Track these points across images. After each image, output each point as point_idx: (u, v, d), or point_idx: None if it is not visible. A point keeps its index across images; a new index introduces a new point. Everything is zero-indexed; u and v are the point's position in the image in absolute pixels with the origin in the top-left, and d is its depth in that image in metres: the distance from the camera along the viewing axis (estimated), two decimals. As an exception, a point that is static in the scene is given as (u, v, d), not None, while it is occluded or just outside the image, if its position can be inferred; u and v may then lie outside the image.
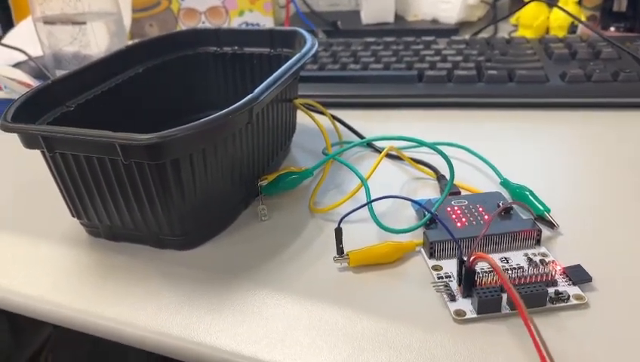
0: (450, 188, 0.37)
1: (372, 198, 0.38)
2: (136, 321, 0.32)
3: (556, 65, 0.60)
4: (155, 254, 0.38)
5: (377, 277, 0.34)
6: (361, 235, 0.37)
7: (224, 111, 0.33)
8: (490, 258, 0.29)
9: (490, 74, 0.57)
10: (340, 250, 0.35)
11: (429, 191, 0.43)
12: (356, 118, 0.53)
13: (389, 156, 0.48)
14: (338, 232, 0.35)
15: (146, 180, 0.34)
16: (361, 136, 0.50)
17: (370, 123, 0.54)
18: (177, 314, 0.32)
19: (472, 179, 0.43)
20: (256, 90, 0.36)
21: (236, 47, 0.52)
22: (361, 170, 0.41)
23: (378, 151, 0.48)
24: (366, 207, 0.37)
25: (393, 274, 0.34)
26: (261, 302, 0.33)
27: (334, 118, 0.51)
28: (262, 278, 0.35)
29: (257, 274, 0.35)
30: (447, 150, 0.47)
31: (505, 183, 0.41)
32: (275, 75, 0.39)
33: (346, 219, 0.35)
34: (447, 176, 0.42)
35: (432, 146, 0.37)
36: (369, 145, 0.49)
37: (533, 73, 0.57)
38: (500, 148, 0.48)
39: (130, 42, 0.78)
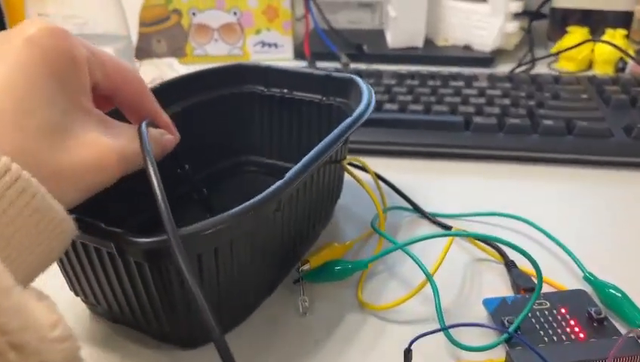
0: (536, 299, 0.31)
1: (440, 299, 0.32)
2: None
3: (615, 115, 0.54)
4: (156, 350, 0.32)
5: (454, 411, 0.28)
6: (422, 347, 0.30)
7: (243, 206, 0.27)
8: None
9: (546, 125, 0.51)
10: (409, 376, 0.29)
11: (497, 282, 0.36)
12: (395, 170, 0.47)
13: (444, 227, 0.41)
14: (407, 355, 0.28)
15: (146, 280, 0.28)
16: (412, 204, 0.44)
17: (412, 177, 0.48)
18: None
19: (545, 266, 0.37)
20: (288, 175, 0.30)
21: (285, 90, 0.45)
22: (412, 246, 0.35)
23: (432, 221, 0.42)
24: (433, 310, 0.31)
25: (472, 406, 0.28)
26: None
27: (378, 176, 0.44)
28: None
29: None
30: (510, 223, 0.41)
31: (590, 280, 0.35)
32: (315, 150, 0.32)
33: (400, 317, 0.29)
34: (516, 260, 0.36)
35: (517, 248, 0.31)
36: (420, 211, 0.43)
37: (594, 126, 0.51)
38: (569, 221, 0.42)
39: (140, 63, 0.71)
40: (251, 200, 0.27)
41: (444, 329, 0.30)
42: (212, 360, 0.31)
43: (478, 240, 0.39)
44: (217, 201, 0.44)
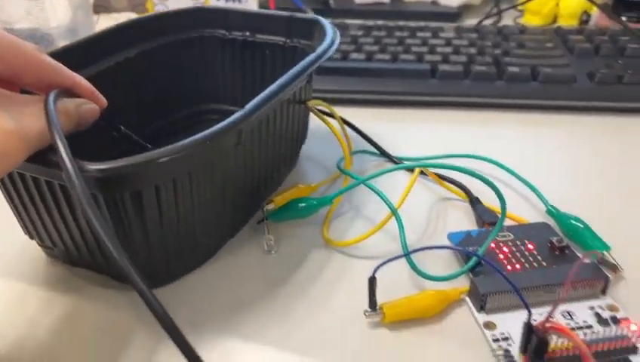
0: (500, 228, 0.31)
1: (404, 233, 0.32)
2: None
3: (580, 62, 0.54)
4: (115, 289, 0.31)
5: (417, 337, 0.28)
6: (387, 276, 0.30)
7: (200, 135, 0.26)
8: (575, 336, 0.24)
9: (511, 71, 0.51)
10: (373, 304, 0.28)
11: (462, 218, 0.37)
12: (362, 118, 0.46)
13: (411, 170, 0.41)
14: (372, 283, 0.28)
15: (101, 212, 0.26)
16: (378, 147, 0.43)
17: (379, 124, 0.47)
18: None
19: (511, 203, 0.37)
20: (248, 106, 0.29)
21: (247, 33, 0.44)
22: (379, 186, 0.34)
23: (395, 162, 0.42)
24: (398, 244, 0.31)
25: (436, 332, 0.28)
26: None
27: (344, 121, 0.44)
28: (253, 329, 0.28)
29: (247, 322, 0.29)
30: (477, 164, 0.41)
31: (553, 213, 0.35)
32: (277, 82, 0.31)
33: (365, 253, 0.28)
34: (481, 197, 0.37)
35: (481, 177, 0.31)
36: (386, 155, 0.43)
37: (559, 72, 0.51)
38: (535, 161, 0.42)
39: (97, 17, 0.68)
40: (209, 130, 0.26)
41: (407, 254, 0.30)
42: (173, 298, 0.30)
43: (442, 177, 0.39)
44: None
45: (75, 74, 0.28)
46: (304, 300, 0.30)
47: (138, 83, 0.41)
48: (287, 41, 0.43)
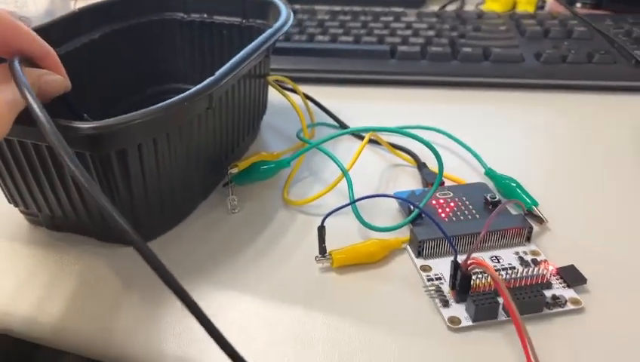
0: (439, 184, 0.35)
1: (353, 191, 0.35)
2: (78, 326, 0.29)
3: (529, 44, 0.58)
4: (100, 249, 0.34)
5: (362, 280, 0.32)
6: (340, 231, 0.34)
7: (178, 97, 0.29)
8: (490, 266, 0.28)
9: (465, 52, 0.55)
10: (323, 250, 0.32)
11: (410, 180, 0.40)
12: (325, 96, 0.50)
13: (362, 138, 0.45)
14: (321, 231, 0.32)
15: (88, 171, 0.29)
16: (335, 118, 0.47)
17: (341, 101, 0.50)
18: (125, 320, 0.29)
19: (454, 167, 0.41)
20: (218, 73, 0.32)
21: (205, 15, 0.47)
22: (338, 155, 0.38)
23: (356, 136, 0.45)
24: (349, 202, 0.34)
25: (379, 276, 0.32)
26: (228, 308, 0.30)
27: (306, 96, 0.47)
28: (227, 278, 0.32)
29: (221, 273, 0.32)
30: (427, 134, 0.45)
31: (490, 174, 0.39)
32: (241, 53, 0.35)
33: (320, 211, 0.32)
34: (429, 164, 0.40)
35: (421, 139, 0.34)
36: (344, 127, 0.46)
37: (508, 52, 0.55)
38: (480, 132, 0.46)
39: (75, 2, 0.71)
40: (185, 93, 0.29)
41: (353, 202, 0.33)
42: (159, 253, 0.33)
43: (393, 145, 0.42)
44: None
45: (46, 44, 0.28)
46: (267, 253, 0.34)
47: (101, 65, 0.44)
48: (244, 21, 0.46)
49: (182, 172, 0.34)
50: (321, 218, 0.32)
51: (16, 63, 0.25)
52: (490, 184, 0.39)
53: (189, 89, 0.49)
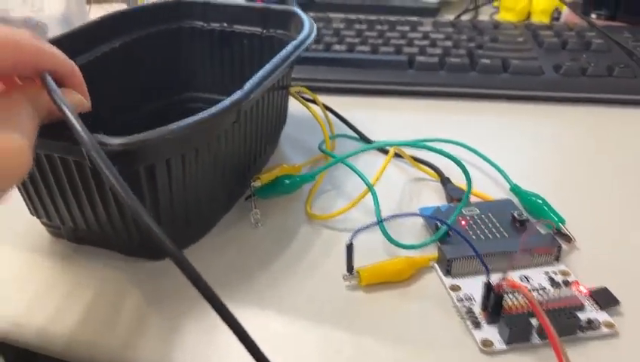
0: (466, 201, 0.34)
1: (380, 209, 0.35)
2: (92, 340, 0.29)
3: (547, 56, 0.58)
4: (123, 263, 0.33)
5: (390, 298, 0.31)
6: (364, 246, 0.34)
7: (208, 112, 0.28)
8: (524, 288, 0.27)
9: (483, 63, 0.55)
10: (351, 268, 0.32)
11: (433, 195, 0.40)
12: (343, 106, 0.49)
13: (384, 151, 0.44)
14: (350, 249, 0.31)
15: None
16: (357, 131, 0.46)
17: (359, 112, 0.50)
18: (147, 336, 0.28)
19: (478, 182, 0.41)
20: (246, 87, 0.31)
21: (225, 24, 0.47)
22: (358, 167, 0.37)
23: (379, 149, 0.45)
24: (374, 217, 0.34)
25: (407, 294, 0.32)
26: (252, 324, 0.29)
27: (326, 107, 0.47)
28: (251, 294, 0.31)
29: (245, 288, 0.32)
30: (449, 148, 0.44)
31: (516, 190, 0.39)
32: (269, 66, 0.34)
33: (347, 228, 0.31)
34: (453, 179, 0.40)
35: (450, 156, 0.34)
36: (365, 139, 0.46)
37: (528, 64, 0.55)
38: (502, 145, 0.46)
39: (90, 7, 0.70)
40: (214, 108, 0.29)
41: (380, 221, 0.33)
42: (175, 267, 0.33)
43: (416, 159, 0.42)
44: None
45: (72, 62, 0.27)
46: (292, 268, 0.33)
47: (121, 73, 0.43)
48: (264, 31, 0.46)
49: (208, 184, 0.33)
50: (346, 233, 0.31)
51: (49, 78, 0.25)
52: (516, 200, 0.38)
53: (208, 98, 0.50)
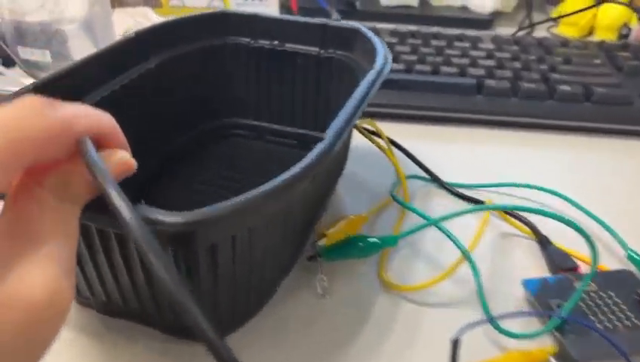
0: (588, 284, 0.28)
1: (481, 284, 0.28)
2: None
3: (629, 81, 0.51)
4: (163, 344, 0.27)
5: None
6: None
7: (282, 179, 0.22)
8: None
9: (563, 90, 0.48)
10: (454, 368, 0.25)
11: (531, 259, 0.33)
12: (403, 137, 0.42)
13: (466, 198, 0.38)
14: (455, 347, 0.25)
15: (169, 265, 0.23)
16: (428, 172, 0.40)
17: (423, 144, 0.43)
18: None
19: (581, 242, 0.34)
20: (329, 138, 0.25)
21: (276, 42, 0.40)
22: (429, 212, 0.31)
23: (451, 191, 0.38)
24: (470, 287, 0.27)
25: (523, 401, 0.25)
26: None
27: (391, 142, 0.40)
28: None
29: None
30: (539, 196, 0.38)
31: (635, 259, 0.32)
32: (348, 108, 0.27)
33: (431, 300, 0.25)
34: (544, 233, 0.33)
35: (580, 229, 0.27)
36: (438, 181, 0.39)
37: (613, 93, 0.48)
38: (598, 191, 0.39)
39: (115, 10, 0.64)
40: (287, 174, 0.22)
41: (492, 320, 0.26)
42: (237, 350, 0.27)
43: (516, 211, 0.35)
44: (202, 169, 0.39)
45: (110, 116, 0.20)
46: (371, 355, 0.27)
47: (156, 97, 0.37)
48: (322, 51, 0.39)
49: (274, 254, 0.27)
50: (434, 310, 0.26)
51: (88, 142, 0.18)
52: (633, 269, 0.32)
53: (252, 124, 0.43)
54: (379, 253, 0.32)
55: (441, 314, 0.29)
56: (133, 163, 0.21)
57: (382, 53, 0.34)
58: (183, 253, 0.22)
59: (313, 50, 0.39)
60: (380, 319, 0.29)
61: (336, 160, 0.32)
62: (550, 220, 0.30)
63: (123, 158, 0.20)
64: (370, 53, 0.35)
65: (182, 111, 0.40)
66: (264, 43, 0.40)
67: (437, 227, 0.29)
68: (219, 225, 0.20)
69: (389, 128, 0.44)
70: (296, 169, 0.22)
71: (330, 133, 0.25)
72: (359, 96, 0.29)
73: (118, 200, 0.18)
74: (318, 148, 0.24)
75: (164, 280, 0.17)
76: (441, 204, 0.38)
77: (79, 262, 0.25)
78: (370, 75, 0.31)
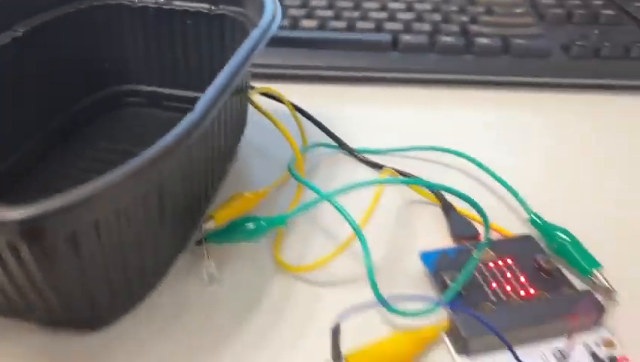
0: (481, 253, 0.27)
1: (370, 256, 0.27)
2: None
3: (552, 30, 0.49)
4: (44, 340, 0.25)
5: (390, 390, 0.24)
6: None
7: (143, 158, 0.20)
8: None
9: (481, 44, 0.46)
10: (337, 355, 0.24)
11: (434, 227, 0.32)
12: (312, 99, 0.40)
13: (371, 165, 0.36)
14: (335, 333, 0.23)
15: (22, 264, 0.20)
16: (333, 136, 0.38)
17: (334, 107, 0.41)
18: None
19: (485, 206, 0.33)
20: (197, 111, 0.23)
21: (162, 0, 0.37)
22: (337, 182, 0.29)
23: (361, 161, 0.37)
24: (364, 266, 0.26)
25: (411, 382, 0.24)
26: None
27: (295, 107, 0.38)
28: None
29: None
30: (445, 157, 0.37)
31: (536, 223, 0.31)
32: (224, 73, 0.25)
33: (327, 279, 0.23)
34: (449, 197, 0.32)
35: (465, 196, 0.26)
36: (347, 149, 0.37)
37: (533, 44, 0.46)
38: (509, 151, 0.38)
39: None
40: (155, 147, 0.20)
41: (383, 302, 0.25)
42: (119, 341, 0.25)
43: (399, 172, 0.34)
44: (98, 143, 0.36)
45: None
46: (259, 348, 0.25)
47: (29, 69, 0.33)
48: (213, 7, 0.36)
49: (154, 238, 0.25)
50: (330, 290, 0.24)
51: None
52: (535, 233, 0.31)
53: (145, 90, 0.40)
54: (271, 234, 0.30)
55: (337, 294, 0.27)
56: None
57: (270, 8, 0.31)
58: (40, 248, 0.19)
59: (203, 7, 0.36)
60: (270, 305, 0.27)
61: (220, 132, 0.29)
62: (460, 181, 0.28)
63: None
64: (261, 8, 0.32)
65: (65, 80, 0.36)
66: (149, 1, 0.37)
67: (330, 202, 0.27)
68: (71, 214, 0.18)
69: (299, 90, 0.41)
70: (157, 146, 0.20)
71: (200, 104, 0.23)
72: (239, 59, 0.26)
73: None
74: (185, 121, 0.22)
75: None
76: (347, 170, 0.36)
77: None
78: (254, 34, 0.28)
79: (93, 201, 0.18)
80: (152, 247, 0.25)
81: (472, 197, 0.27)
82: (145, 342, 0.25)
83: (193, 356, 0.25)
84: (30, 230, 0.17)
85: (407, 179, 0.34)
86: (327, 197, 0.28)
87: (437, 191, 0.33)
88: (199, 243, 0.29)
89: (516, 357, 0.23)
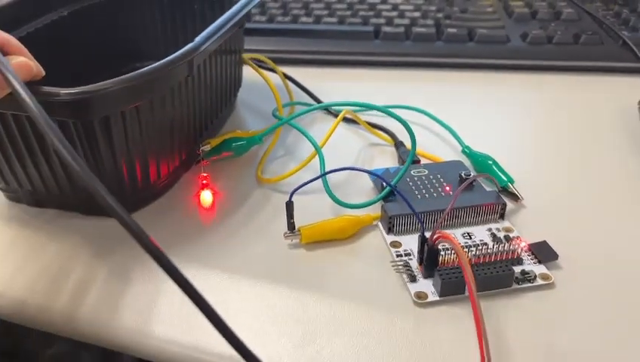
0: (411, 161, 0.34)
1: (326, 169, 0.35)
2: (43, 302, 0.29)
3: (517, 25, 0.57)
4: (85, 223, 0.33)
5: (331, 255, 0.31)
6: (313, 209, 0.34)
7: (161, 62, 0.29)
8: (454, 238, 0.27)
9: (450, 32, 0.54)
10: (291, 226, 0.32)
11: (387, 159, 0.40)
12: (308, 77, 0.49)
13: (344, 120, 0.44)
14: (289, 206, 0.31)
15: (71, 141, 0.29)
16: (314, 98, 0.46)
17: (323, 82, 0.50)
18: (110, 297, 0.29)
19: (432, 146, 0.41)
20: (197, 39, 0.32)
21: None
22: (314, 134, 0.37)
23: (333, 114, 0.45)
24: (320, 178, 0.34)
25: (349, 252, 0.32)
26: (200, 283, 0.29)
27: (286, 76, 0.47)
28: (199, 254, 0.31)
29: (191, 250, 0.32)
30: (407, 114, 0.44)
31: (467, 152, 0.39)
32: (217, 22, 0.35)
33: (298, 191, 0.31)
34: (407, 143, 0.40)
35: (393, 114, 0.34)
36: (318, 102, 0.45)
37: (493, 33, 0.54)
38: (461, 112, 0.45)
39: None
40: (165, 59, 0.29)
41: (323, 175, 0.33)
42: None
43: (371, 125, 0.42)
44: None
45: (3, 32, 0.27)
46: (238, 231, 0.33)
47: (68, 44, 0.42)
48: None
49: (164, 142, 0.34)
50: (295, 196, 0.31)
51: None
52: (467, 162, 0.38)
53: None
54: (254, 158, 0.38)
55: (299, 196, 0.35)
56: (32, 65, 0.27)
57: None
58: (82, 125, 0.28)
59: None
60: (249, 206, 0.35)
61: (216, 73, 0.38)
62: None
63: (23, 61, 0.26)
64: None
65: (93, 57, 0.44)
66: None
67: (290, 124, 0.36)
68: (105, 97, 0.27)
69: (298, 71, 0.50)
70: (164, 60, 0.29)
71: (197, 39, 0.32)
72: (225, 16, 0.35)
73: (16, 84, 0.23)
74: (186, 47, 0.31)
75: (66, 159, 0.21)
76: (319, 123, 0.44)
77: (5, 155, 0.31)
78: (238, 4, 0.38)
79: (120, 93, 0.27)
80: (166, 149, 0.34)
81: (401, 118, 0.35)
82: (159, 226, 0.33)
83: (188, 239, 0.33)
84: (78, 103, 0.26)
85: (359, 102, 0.41)
86: (287, 120, 0.36)
87: (392, 133, 0.41)
88: (199, 162, 0.37)
89: (422, 224, 0.30)
